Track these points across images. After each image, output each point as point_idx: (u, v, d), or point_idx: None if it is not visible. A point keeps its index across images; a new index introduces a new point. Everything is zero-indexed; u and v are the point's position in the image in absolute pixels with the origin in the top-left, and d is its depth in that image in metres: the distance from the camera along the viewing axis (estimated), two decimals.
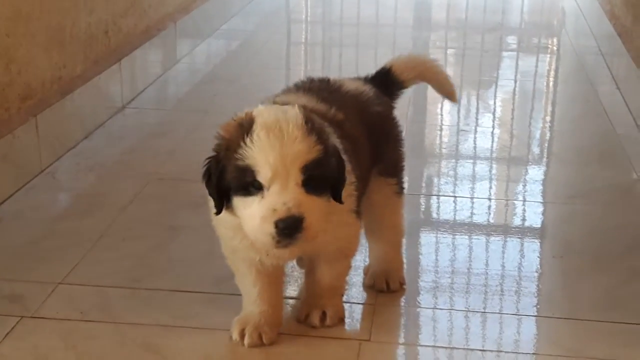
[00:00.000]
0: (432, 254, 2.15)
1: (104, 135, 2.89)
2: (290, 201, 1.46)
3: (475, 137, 3.02)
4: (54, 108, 2.63)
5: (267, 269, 1.67)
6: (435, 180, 2.65)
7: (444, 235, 2.26)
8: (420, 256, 2.13)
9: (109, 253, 2.10)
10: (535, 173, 2.76)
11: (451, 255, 2.15)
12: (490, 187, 2.62)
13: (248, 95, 3.38)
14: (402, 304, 1.92)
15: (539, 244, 2.27)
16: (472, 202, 2.47)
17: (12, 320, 1.80)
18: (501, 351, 1.74)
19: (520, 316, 1.88)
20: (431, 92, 3.63)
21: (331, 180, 1.53)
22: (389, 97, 1.95)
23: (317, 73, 3.94)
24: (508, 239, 2.27)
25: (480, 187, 2.60)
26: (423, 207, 2.47)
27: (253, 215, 1.48)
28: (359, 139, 1.75)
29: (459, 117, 3.29)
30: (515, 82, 3.77)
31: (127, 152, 2.73)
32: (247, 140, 1.47)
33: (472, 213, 2.41)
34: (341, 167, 1.56)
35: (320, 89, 1.79)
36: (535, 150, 2.99)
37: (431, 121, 3.24)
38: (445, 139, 3.03)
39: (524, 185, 2.64)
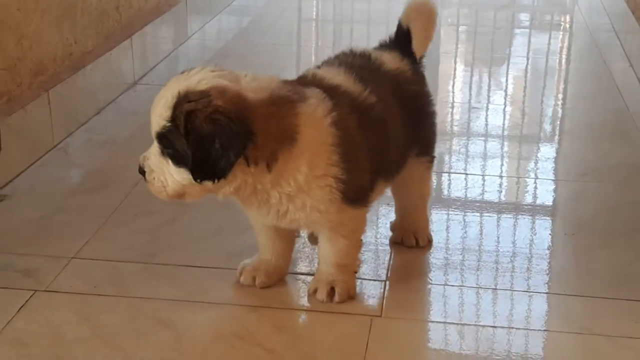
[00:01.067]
0: (443, 231, 2.15)
1: (116, 111, 2.89)
2: (145, 153, 1.65)
3: (486, 115, 3.01)
4: (66, 83, 2.63)
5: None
6: (447, 157, 2.64)
7: (455, 213, 2.26)
8: (431, 233, 2.13)
9: (121, 228, 2.11)
10: (547, 151, 2.76)
11: (462, 232, 2.16)
12: (502, 165, 2.61)
13: (259, 72, 3.37)
14: (413, 280, 1.92)
15: (550, 221, 2.27)
16: (484, 180, 2.47)
17: (26, 294, 1.81)
18: (512, 327, 1.75)
19: (531, 293, 1.88)
20: (443, 68, 3.65)
21: (184, 158, 1.57)
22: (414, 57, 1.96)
23: (328, 50, 3.93)
24: (519, 216, 2.27)
25: (491, 165, 2.59)
26: (434, 184, 2.46)
27: None
28: (391, 122, 1.79)
29: (470, 94, 3.28)
30: (528, 59, 3.75)
31: (139, 128, 2.73)
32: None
33: (483, 190, 2.41)
34: (199, 154, 1.54)
35: (361, 67, 1.81)
36: (547, 127, 2.98)
37: (442, 98, 3.23)
38: (456, 116, 3.02)
39: (536, 163, 2.63)
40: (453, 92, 3.32)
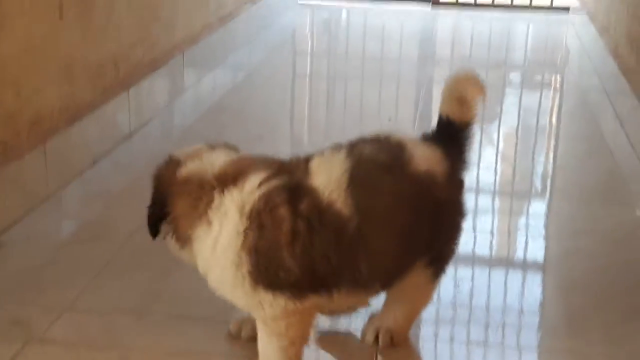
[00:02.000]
0: None
1: (111, 163, 2.91)
2: None
3: (478, 171, 3.04)
4: (62, 135, 2.65)
5: None
6: None
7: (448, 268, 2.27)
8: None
9: (114, 281, 2.11)
10: (539, 207, 2.78)
11: (453, 288, 2.16)
12: (493, 221, 2.63)
13: (253, 127, 3.41)
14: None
15: (541, 278, 2.28)
16: (475, 235, 2.49)
17: (17, 345, 1.80)
18: None
19: (522, 349, 1.88)
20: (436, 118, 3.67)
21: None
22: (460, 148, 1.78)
23: (321, 106, 3.98)
24: (510, 272, 2.28)
25: (482, 221, 2.61)
26: None
27: None
28: (373, 238, 1.61)
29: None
30: (519, 117, 3.80)
31: (134, 180, 2.75)
32: None
33: (474, 246, 2.42)
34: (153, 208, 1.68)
35: (370, 166, 1.63)
36: (538, 185, 3.01)
37: None
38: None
39: (527, 220, 2.65)
40: None
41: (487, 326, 1.98)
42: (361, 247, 1.59)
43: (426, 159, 1.67)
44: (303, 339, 1.64)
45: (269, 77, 4.21)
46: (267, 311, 1.61)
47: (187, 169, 1.63)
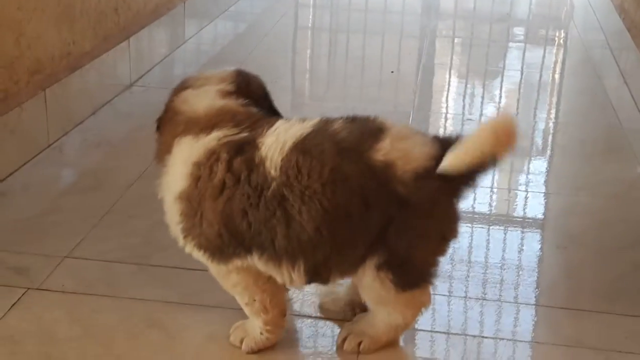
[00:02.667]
0: None
1: (111, 112, 2.90)
2: None
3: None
4: (63, 83, 2.64)
5: None
6: None
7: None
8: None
9: (114, 229, 2.12)
10: (539, 164, 2.78)
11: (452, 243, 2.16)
12: (493, 177, 2.63)
13: None
14: None
15: (541, 234, 2.29)
16: (475, 191, 2.48)
17: (18, 291, 1.82)
18: (499, 338, 1.76)
19: (519, 304, 1.90)
20: (437, 79, 3.66)
21: None
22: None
23: (324, 58, 3.95)
24: (510, 229, 2.28)
25: (483, 177, 2.60)
26: None
27: None
28: (296, 209, 1.52)
29: (464, 106, 3.30)
30: (522, 73, 3.77)
31: (134, 129, 2.74)
32: None
33: (474, 202, 2.42)
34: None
35: (326, 144, 1.53)
36: (540, 141, 3.00)
37: (436, 109, 3.25)
38: (450, 128, 3.04)
39: (527, 176, 2.65)
40: (447, 104, 3.33)
41: (485, 282, 1.99)
42: (279, 212, 1.52)
43: (395, 151, 1.52)
44: (261, 294, 1.63)
45: (270, 28, 4.18)
46: (209, 268, 1.64)
47: (181, 97, 1.65)
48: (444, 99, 3.38)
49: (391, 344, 1.70)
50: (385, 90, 3.40)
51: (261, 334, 1.66)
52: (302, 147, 1.52)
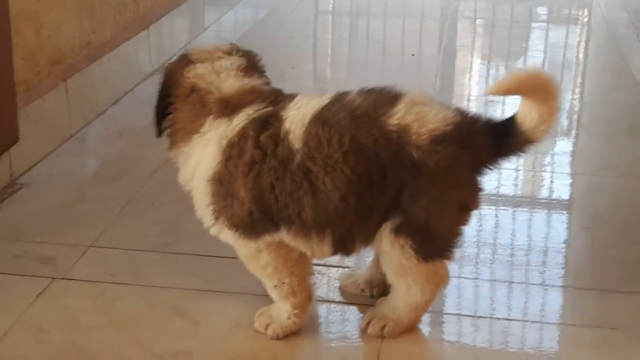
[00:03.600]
0: None
1: (133, 101, 2.90)
2: None
3: (503, 108, 3.00)
4: (83, 73, 2.64)
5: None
6: None
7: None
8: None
9: (138, 217, 2.12)
10: (564, 145, 2.75)
11: (477, 226, 2.15)
12: (518, 159, 2.60)
13: (275, 64, 3.38)
14: None
15: (566, 215, 2.27)
16: (500, 173, 2.47)
17: (44, 281, 1.83)
18: (527, 320, 1.75)
19: (546, 287, 1.88)
20: (459, 62, 3.64)
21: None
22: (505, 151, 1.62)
23: (344, 43, 3.93)
24: (535, 210, 2.26)
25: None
26: None
27: None
28: (320, 180, 1.53)
29: (487, 87, 3.27)
30: (545, 53, 3.74)
31: None
32: None
33: (499, 184, 2.40)
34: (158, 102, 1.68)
35: (342, 114, 1.55)
36: (564, 122, 2.97)
37: (459, 91, 3.22)
38: (473, 110, 3.01)
39: (552, 157, 2.62)
40: (469, 86, 3.31)
41: (511, 265, 1.97)
42: (306, 184, 1.53)
43: (410, 114, 1.53)
44: (290, 276, 1.63)
45: (290, 14, 4.16)
46: (238, 250, 1.63)
47: (196, 73, 1.62)
48: (466, 81, 3.36)
49: (414, 326, 1.70)
50: (407, 73, 3.38)
51: (288, 318, 1.65)
52: (321, 118, 1.54)
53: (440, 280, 1.66)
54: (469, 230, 2.11)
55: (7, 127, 2.19)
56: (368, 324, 1.68)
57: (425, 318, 1.74)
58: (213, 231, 1.63)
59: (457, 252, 1.97)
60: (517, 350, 1.66)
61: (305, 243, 1.58)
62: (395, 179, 1.53)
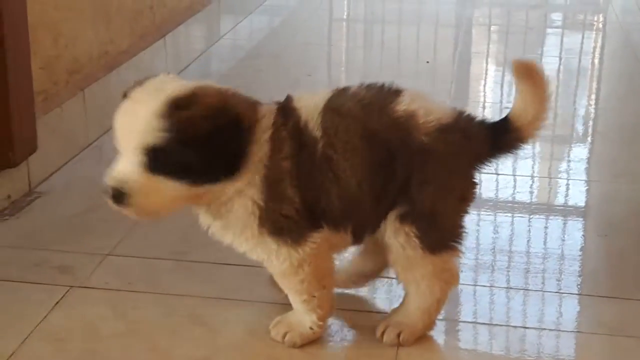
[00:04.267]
0: (473, 232, 2.15)
1: None
2: (120, 173, 1.48)
3: None
4: (101, 82, 2.66)
5: None
6: None
7: (487, 213, 2.26)
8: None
9: (153, 226, 2.13)
10: (580, 151, 2.75)
11: (493, 233, 2.15)
12: (534, 165, 2.61)
13: (290, 72, 3.40)
14: None
15: (582, 222, 2.26)
16: (515, 180, 2.47)
17: (62, 289, 1.84)
18: (543, 328, 1.75)
19: (562, 294, 1.88)
20: (474, 68, 3.64)
21: (193, 168, 1.45)
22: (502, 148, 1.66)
23: (359, 50, 3.94)
24: (551, 217, 2.26)
25: (523, 165, 2.59)
26: None
27: None
28: (340, 167, 1.53)
29: (502, 94, 3.27)
30: (560, 59, 3.73)
31: None
32: (120, 107, 1.53)
33: (514, 191, 2.40)
34: (227, 147, 1.47)
35: (351, 102, 1.57)
36: (580, 128, 2.97)
37: (474, 98, 3.23)
38: (488, 116, 3.01)
39: (568, 164, 2.62)
40: (484, 92, 3.31)
41: (527, 272, 1.97)
42: (330, 173, 1.53)
43: (415, 104, 1.57)
44: (321, 289, 1.61)
45: (305, 21, 4.18)
46: (275, 265, 1.58)
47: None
48: (481, 88, 3.36)
49: (430, 329, 1.69)
50: (422, 80, 3.38)
51: (311, 328, 1.65)
52: (332, 108, 1.55)
53: (450, 278, 1.65)
54: (485, 237, 2.12)
55: (26, 136, 2.21)
56: (383, 332, 1.68)
57: (441, 326, 1.75)
58: (251, 245, 1.56)
59: (472, 259, 2.00)
60: (534, 358, 1.66)
61: (336, 235, 1.58)
62: (404, 164, 1.55)
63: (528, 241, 2.13)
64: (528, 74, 1.61)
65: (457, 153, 1.58)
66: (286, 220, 1.53)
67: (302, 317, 1.66)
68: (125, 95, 1.54)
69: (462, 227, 1.64)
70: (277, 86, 3.16)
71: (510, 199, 2.35)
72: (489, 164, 1.66)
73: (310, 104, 1.56)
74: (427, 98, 1.62)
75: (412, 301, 1.66)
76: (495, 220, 2.23)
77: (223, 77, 3.37)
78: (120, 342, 1.67)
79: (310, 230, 1.55)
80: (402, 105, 1.56)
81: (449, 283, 1.67)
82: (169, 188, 1.47)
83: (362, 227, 1.61)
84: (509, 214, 2.26)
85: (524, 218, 2.25)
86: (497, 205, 2.31)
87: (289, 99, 1.59)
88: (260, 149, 1.50)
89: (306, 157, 1.52)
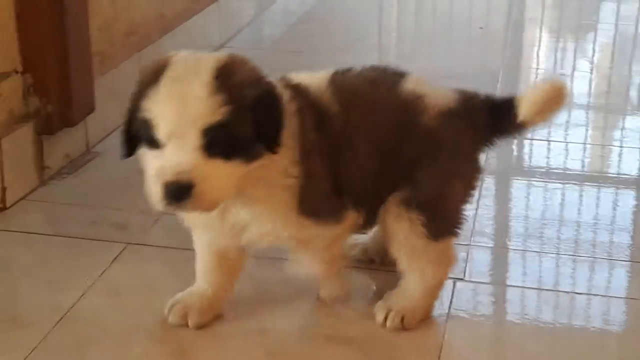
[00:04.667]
0: (523, 200, 2.15)
1: None
2: (181, 164, 1.31)
3: (572, 82, 2.97)
4: (156, 45, 2.70)
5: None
6: None
7: (537, 180, 2.25)
8: (511, 201, 2.13)
9: None
10: (633, 121, 2.71)
11: (544, 201, 2.15)
12: (586, 134, 2.59)
13: (342, 36, 3.40)
14: (494, 245, 1.94)
15: (635, 191, 2.24)
16: (567, 148, 2.45)
17: (119, 246, 1.89)
18: (592, 294, 1.75)
19: (613, 261, 1.87)
20: (528, 35, 3.60)
21: (247, 141, 1.34)
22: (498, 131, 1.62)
23: (410, 16, 3.92)
24: (603, 186, 2.25)
25: (575, 133, 2.57)
26: (515, 152, 2.46)
27: (150, 171, 1.38)
28: (354, 141, 1.49)
29: (556, 61, 3.23)
30: (616, 27, 3.67)
31: None
32: (153, 91, 1.33)
33: (566, 158, 2.39)
34: (273, 113, 1.36)
35: (356, 80, 1.55)
36: (634, 96, 2.93)
37: (527, 66, 3.20)
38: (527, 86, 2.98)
39: (622, 132, 2.59)
40: (538, 60, 3.28)
41: (576, 240, 1.97)
42: (348, 147, 1.48)
43: (422, 87, 1.54)
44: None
45: None
46: (316, 245, 1.51)
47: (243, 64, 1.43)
48: (534, 55, 3.32)
49: (431, 310, 1.65)
50: (474, 46, 3.36)
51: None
52: (340, 84, 1.50)
53: (450, 259, 1.63)
54: (535, 205, 2.12)
55: (84, 96, 2.26)
56: (385, 318, 1.62)
57: (488, 289, 1.76)
58: (292, 230, 1.46)
59: (522, 225, 2.00)
60: (582, 323, 1.67)
61: (358, 215, 1.52)
62: (411, 146, 1.52)
63: (579, 209, 2.12)
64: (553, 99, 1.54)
65: (463, 138, 1.56)
66: (323, 198, 1.47)
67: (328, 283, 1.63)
68: (145, 80, 1.36)
69: (464, 213, 1.61)
70: (328, 51, 3.18)
71: (562, 166, 2.34)
72: (492, 145, 1.62)
73: (314, 82, 1.49)
74: (428, 82, 1.58)
75: (415, 286, 1.62)
76: (546, 187, 2.22)
77: (275, 43, 3.39)
78: None
79: (345, 208, 1.50)
80: (410, 85, 1.54)
81: (449, 265, 1.64)
82: (228, 170, 1.34)
83: (370, 210, 1.55)
84: (562, 182, 2.25)
85: (576, 186, 2.24)
86: (548, 173, 2.30)
87: (285, 78, 1.49)
88: (291, 121, 1.41)
89: (327, 131, 1.46)
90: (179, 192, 1.32)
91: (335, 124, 1.47)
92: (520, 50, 3.37)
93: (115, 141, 2.41)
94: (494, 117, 1.58)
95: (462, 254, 1.86)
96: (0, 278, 1.77)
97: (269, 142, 1.36)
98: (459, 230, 1.61)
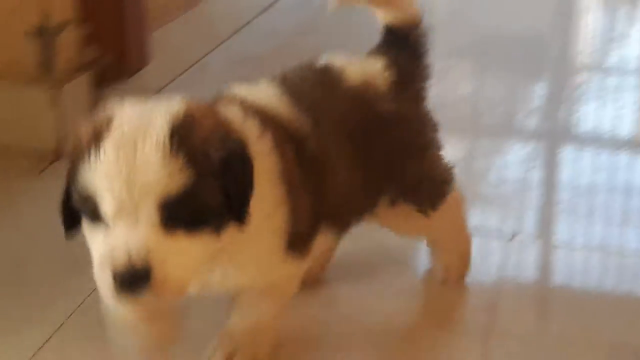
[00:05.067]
0: (570, 166, 2.15)
1: (253, 32, 2.98)
2: (134, 245, 1.03)
3: (623, 48, 2.94)
4: (207, 2, 2.72)
5: None
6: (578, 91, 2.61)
7: (588, 149, 2.24)
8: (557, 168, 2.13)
9: None
10: None
11: (592, 170, 2.14)
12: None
13: (366, 25, 3.36)
14: (542, 204, 1.95)
15: None
16: (620, 114, 2.43)
17: None
18: None
19: None
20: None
21: (214, 210, 1.08)
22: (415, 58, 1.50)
23: None
24: None
25: (627, 97, 2.54)
26: (565, 117, 2.45)
27: (95, 254, 1.08)
28: (337, 157, 1.33)
29: (608, 26, 3.20)
30: None
31: (275, 48, 2.81)
32: (93, 158, 1.05)
33: (619, 123, 2.37)
34: (243, 179, 1.11)
35: (306, 86, 1.35)
36: None
37: (578, 29, 3.16)
38: (590, 49, 2.96)
39: None
40: (589, 24, 3.24)
41: (626, 207, 1.95)
42: (324, 163, 1.31)
43: (360, 74, 1.40)
44: None
45: None
46: (283, 284, 1.31)
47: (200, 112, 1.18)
48: (586, 19, 3.29)
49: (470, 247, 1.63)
50: (521, 12, 3.33)
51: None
52: (295, 97, 1.31)
53: (461, 204, 1.56)
54: (585, 171, 2.12)
55: (140, 48, 2.29)
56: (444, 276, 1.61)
57: (535, 247, 1.76)
58: (276, 272, 1.26)
59: (568, 193, 1.99)
60: (631, 285, 1.66)
61: (330, 230, 1.36)
62: (381, 138, 1.40)
63: (627, 179, 2.10)
64: None
65: (415, 105, 1.47)
66: (302, 232, 1.26)
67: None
68: (83, 144, 1.07)
69: (447, 166, 1.52)
70: (353, 40, 3.13)
71: (612, 131, 2.32)
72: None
73: (262, 96, 1.29)
74: (351, 60, 1.44)
75: (453, 245, 1.60)
76: (597, 153, 2.21)
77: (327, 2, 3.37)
78: None
79: (315, 236, 1.32)
80: (350, 78, 1.39)
81: (463, 207, 1.58)
82: (193, 245, 1.08)
83: (358, 214, 1.42)
84: (612, 148, 2.23)
85: (627, 151, 2.22)
86: (599, 139, 2.29)
87: (222, 97, 1.29)
88: (267, 163, 1.19)
89: (304, 157, 1.26)
90: (134, 280, 1.04)
91: (310, 147, 1.28)
92: (570, 15, 3.33)
93: (169, 94, 2.46)
94: (415, 60, 1.49)
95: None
96: None
97: (238, 213, 1.11)
98: (452, 181, 1.52)
